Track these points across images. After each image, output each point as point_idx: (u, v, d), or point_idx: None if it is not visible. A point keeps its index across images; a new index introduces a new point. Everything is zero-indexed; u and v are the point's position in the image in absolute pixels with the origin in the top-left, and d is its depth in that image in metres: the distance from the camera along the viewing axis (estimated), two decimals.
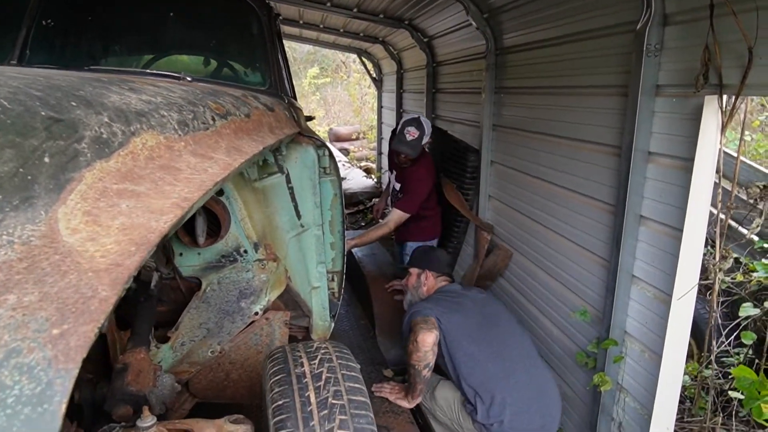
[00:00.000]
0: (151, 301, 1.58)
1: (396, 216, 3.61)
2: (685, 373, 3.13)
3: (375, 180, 8.52)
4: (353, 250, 3.97)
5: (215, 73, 2.02)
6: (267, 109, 1.69)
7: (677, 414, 3.08)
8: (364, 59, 8.21)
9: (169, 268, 1.71)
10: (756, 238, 3.14)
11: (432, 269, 2.99)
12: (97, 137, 0.88)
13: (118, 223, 0.76)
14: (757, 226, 1.63)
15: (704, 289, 3.42)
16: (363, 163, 10.37)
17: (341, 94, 17.27)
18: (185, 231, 1.69)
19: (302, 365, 1.27)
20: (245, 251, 1.79)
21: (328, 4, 5.05)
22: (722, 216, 2.25)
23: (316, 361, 1.28)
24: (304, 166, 2.01)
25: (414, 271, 3.00)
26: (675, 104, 2.15)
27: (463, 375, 2.47)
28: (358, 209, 7.80)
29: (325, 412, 1.15)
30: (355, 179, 8.22)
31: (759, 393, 1.61)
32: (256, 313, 1.83)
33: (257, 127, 1.50)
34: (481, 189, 4.14)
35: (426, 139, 3.67)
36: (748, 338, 2.18)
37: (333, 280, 2.29)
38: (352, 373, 1.27)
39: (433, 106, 5.58)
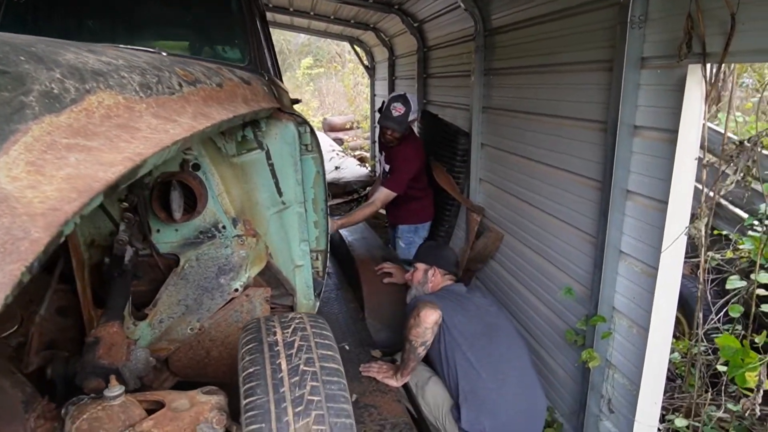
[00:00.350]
0: (126, 276, 1.55)
1: (383, 195, 3.58)
2: (675, 351, 3.13)
3: (369, 169, 8.49)
4: (343, 234, 3.95)
5: (193, 50, 1.99)
6: (243, 82, 1.66)
7: (668, 392, 3.08)
8: (356, 47, 8.15)
9: (146, 245, 1.69)
10: (745, 215, 3.13)
11: (440, 266, 2.91)
12: (47, 92, 0.85)
13: (64, 173, 0.74)
14: (731, 183, 1.61)
15: (695, 268, 3.41)
16: (357, 152, 10.34)
17: (335, 85, 17.19)
18: (161, 207, 1.66)
19: (275, 334, 1.25)
20: (223, 227, 1.77)
21: None
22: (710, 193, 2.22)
23: (290, 330, 1.26)
24: (285, 142, 1.98)
25: (421, 266, 2.91)
26: (660, 76, 2.13)
27: (457, 377, 2.44)
28: (352, 198, 7.77)
29: (296, 378, 1.13)
30: (350, 168, 8.19)
31: (743, 361, 1.60)
32: (236, 290, 1.80)
33: (230, 97, 1.47)
34: (472, 172, 4.12)
35: (412, 116, 3.65)
36: (736, 311, 2.17)
37: (317, 259, 2.26)
38: (326, 341, 1.25)
39: (424, 92, 5.55)
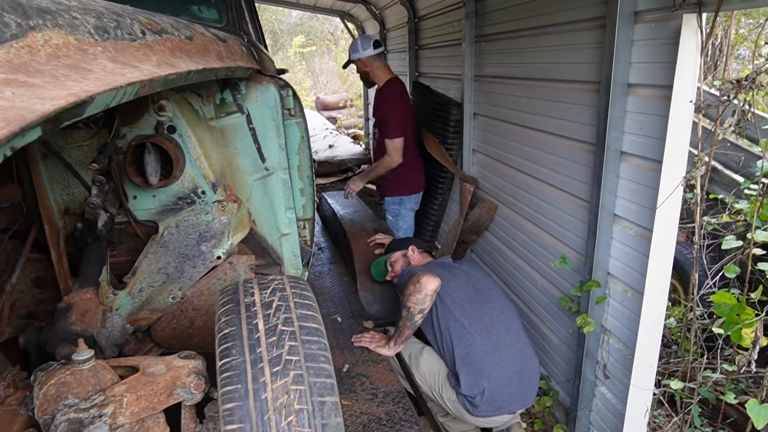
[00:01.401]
0: (100, 242, 1.49)
1: (391, 147, 3.63)
2: (671, 317, 3.11)
3: (363, 146, 8.39)
4: (335, 208, 3.90)
5: (164, 5, 1.90)
6: (217, 39, 1.58)
7: (663, 357, 3.07)
8: (347, 22, 8.00)
9: (122, 212, 1.63)
10: (741, 179, 3.08)
11: (416, 245, 2.96)
12: None
13: None
14: (730, 125, 1.55)
15: (690, 234, 3.37)
16: (351, 131, 10.22)
17: (328, 64, 16.97)
18: (137, 171, 1.60)
19: (253, 295, 1.20)
20: (203, 192, 1.70)
21: None
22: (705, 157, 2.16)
23: (268, 291, 1.21)
24: (266, 105, 1.90)
25: (397, 254, 2.93)
26: (654, 29, 2.05)
27: (452, 344, 2.43)
28: (347, 176, 7.70)
29: (274, 338, 1.08)
30: (343, 146, 8.10)
31: (739, 317, 1.56)
32: (219, 257, 1.75)
33: (201, 51, 1.39)
34: (465, 143, 4.04)
35: (367, 52, 3.82)
36: (732, 271, 2.13)
37: (305, 227, 2.21)
38: (305, 301, 1.19)
39: (416, 64, 5.44)
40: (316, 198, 2.44)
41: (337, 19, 8.40)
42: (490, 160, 3.74)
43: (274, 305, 1.17)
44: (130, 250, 1.72)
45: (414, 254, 2.89)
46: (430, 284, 2.33)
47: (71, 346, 1.25)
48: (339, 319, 2.68)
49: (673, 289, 3.47)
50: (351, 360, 2.30)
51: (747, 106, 1.42)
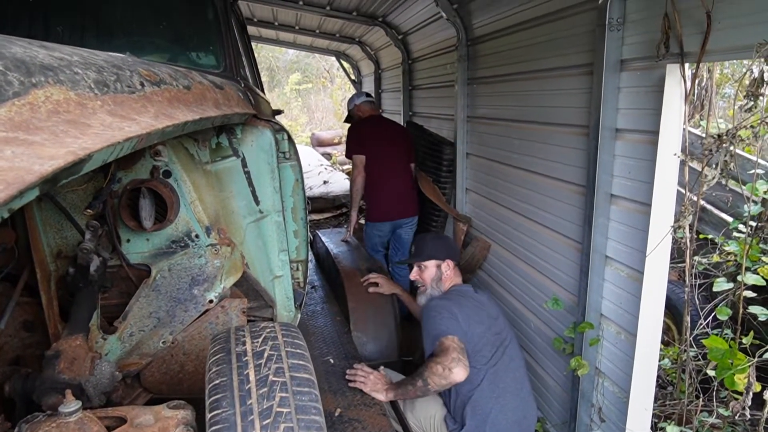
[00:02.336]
0: (92, 287, 1.49)
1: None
2: (665, 357, 3.09)
3: None
4: (329, 246, 3.90)
5: (166, 56, 1.95)
6: (214, 86, 1.62)
7: (659, 399, 3.03)
8: (342, 62, 8.17)
9: (114, 256, 1.63)
10: (730, 219, 3.12)
11: (453, 257, 2.73)
12: None
13: None
14: (713, 178, 1.58)
15: (683, 273, 3.39)
16: (345, 167, 10.31)
17: (324, 100, 17.23)
18: (131, 215, 1.60)
19: (244, 344, 1.19)
20: (197, 236, 1.71)
21: (301, 3, 5.00)
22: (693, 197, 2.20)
23: (260, 340, 1.20)
24: (261, 149, 1.94)
25: (432, 263, 2.70)
26: (639, 77, 2.11)
27: (460, 387, 2.37)
28: (341, 212, 7.73)
29: (265, 389, 1.07)
30: (338, 182, 8.15)
31: (731, 363, 1.56)
32: (211, 301, 1.74)
33: (199, 100, 1.42)
34: (458, 182, 4.09)
35: (353, 103, 4.39)
36: (724, 314, 2.13)
37: (297, 269, 2.21)
38: (297, 351, 1.19)
39: (410, 104, 5.54)
40: (309, 235, 2.45)
41: (333, 58, 8.58)
42: (483, 200, 3.77)
43: (266, 355, 1.16)
44: (121, 293, 1.71)
45: (448, 270, 2.70)
46: (458, 377, 2.22)
47: (58, 396, 1.23)
48: (332, 360, 2.65)
49: (666, 329, 3.47)
50: (343, 404, 2.27)
51: (729, 157, 1.46)
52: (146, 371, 1.70)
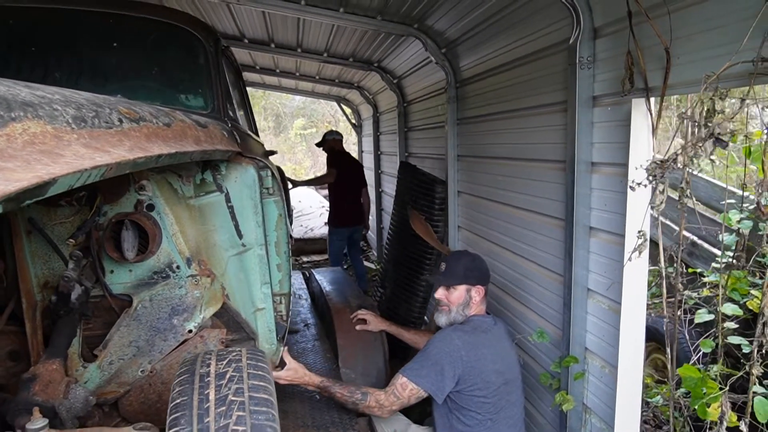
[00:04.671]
0: (72, 314, 1.54)
1: None
2: (659, 394, 3.05)
3: None
4: (322, 284, 3.93)
5: (154, 96, 2.06)
6: (197, 125, 1.71)
7: None
8: (343, 106, 8.41)
9: (97, 286, 1.69)
10: (719, 252, 3.13)
11: (484, 283, 2.59)
12: None
13: None
14: (661, 203, 1.63)
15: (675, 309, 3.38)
16: None
17: None
18: (114, 247, 1.67)
19: (209, 365, 1.23)
20: (177, 267, 1.77)
21: (299, 50, 5.22)
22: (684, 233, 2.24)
23: (224, 362, 1.24)
24: (244, 185, 2.02)
25: (462, 287, 2.54)
26: (610, 112, 2.20)
27: (458, 428, 2.38)
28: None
29: (223, 408, 1.10)
30: None
31: (704, 392, 1.56)
32: (190, 331, 1.78)
33: (178, 137, 1.51)
34: (450, 220, 4.15)
35: (331, 136, 6.08)
36: (707, 346, 2.14)
37: (281, 302, 2.25)
38: (259, 372, 1.23)
39: (405, 145, 5.68)
40: (306, 274, 2.50)
41: (335, 103, 8.85)
42: (474, 237, 3.82)
43: (228, 376, 1.20)
44: (105, 323, 1.76)
45: (478, 297, 2.55)
46: (386, 417, 2.38)
47: (29, 416, 1.26)
48: (317, 396, 2.65)
49: (662, 367, 3.43)
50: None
51: (684, 184, 1.52)
52: (124, 400, 1.74)
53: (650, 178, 1.55)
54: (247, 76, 7.24)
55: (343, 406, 2.44)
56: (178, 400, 1.14)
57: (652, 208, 1.65)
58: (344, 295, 3.63)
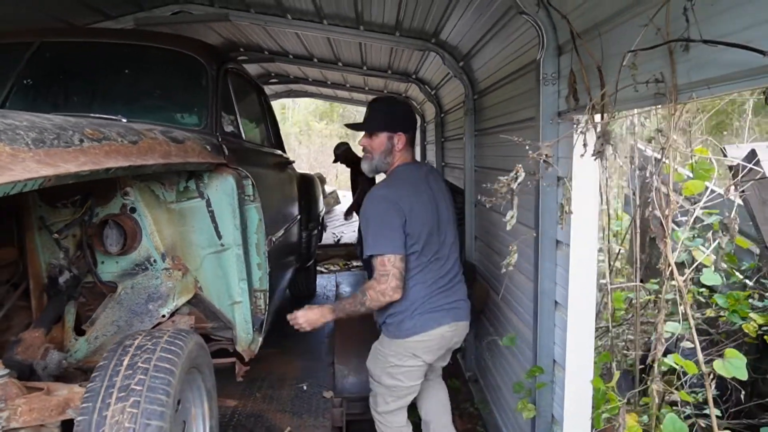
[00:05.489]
0: (60, 295, 1.90)
1: None
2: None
3: None
4: (340, 286, 4.19)
5: (153, 116, 2.41)
6: (171, 141, 2.01)
7: None
8: None
9: (88, 274, 2.05)
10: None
11: (405, 130, 2.47)
12: None
13: None
14: (512, 217, 1.70)
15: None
16: None
17: None
18: (101, 242, 2.02)
19: (135, 339, 1.52)
20: (154, 261, 2.09)
21: (340, 64, 5.54)
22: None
23: (150, 336, 1.53)
24: (224, 192, 2.30)
25: (383, 134, 2.43)
26: (568, 127, 2.26)
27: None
28: None
29: (130, 372, 1.38)
30: None
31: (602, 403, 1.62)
32: (163, 316, 2.10)
33: (141, 153, 1.79)
34: (467, 230, 4.25)
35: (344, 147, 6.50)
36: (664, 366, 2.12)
37: (260, 297, 2.52)
38: (172, 347, 1.49)
39: (442, 154, 5.83)
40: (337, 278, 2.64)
41: None
42: (485, 247, 3.91)
43: (146, 347, 1.47)
44: (94, 304, 2.12)
45: (399, 145, 2.45)
46: (396, 299, 2.26)
47: (12, 372, 1.61)
48: (305, 387, 2.89)
49: None
50: (295, 424, 2.50)
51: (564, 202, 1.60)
52: None
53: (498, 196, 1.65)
54: (304, 87, 7.71)
55: (358, 314, 2.36)
56: (101, 363, 1.43)
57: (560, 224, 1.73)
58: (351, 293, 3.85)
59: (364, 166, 2.59)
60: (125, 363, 1.41)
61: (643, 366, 2.81)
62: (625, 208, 5.18)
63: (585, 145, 1.93)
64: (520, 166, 1.66)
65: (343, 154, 6.18)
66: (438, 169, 2.51)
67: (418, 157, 7.51)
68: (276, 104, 9.56)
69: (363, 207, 2.37)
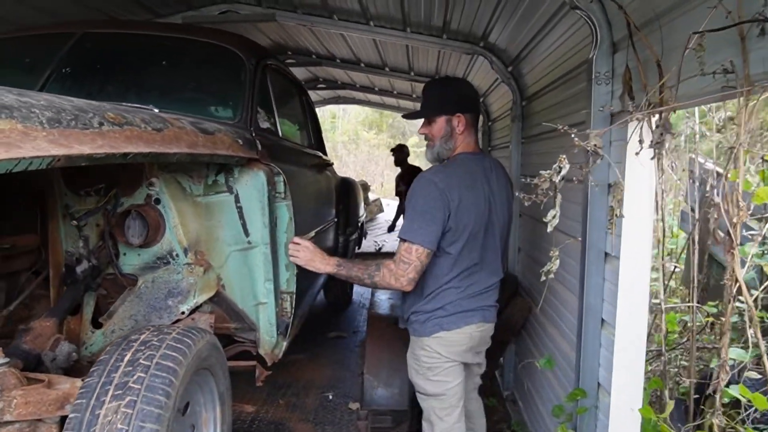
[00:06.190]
0: (77, 285, 1.85)
1: None
2: None
3: None
4: (376, 292, 4.05)
5: (188, 108, 2.36)
6: (199, 131, 1.95)
7: None
8: None
9: (110, 265, 2.00)
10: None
11: (465, 110, 2.25)
12: None
13: None
14: (554, 217, 1.50)
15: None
16: None
17: None
18: (123, 233, 1.97)
19: (141, 334, 1.43)
20: (177, 255, 2.02)
21: (386, 69, 5.46)
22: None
23: (156, 332, 1.43)
24: (254, 188, 2.22)
25: (441, 118, 2.24)
26: (621, 131, 2.06)
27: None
28: None
29: (130, 368, 1.28)
30: None
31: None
32: (183, 312, 2.02)
33: (165, 141, 1.73)
34: (511, 241, 4.03)
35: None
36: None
37: (287, 300, 2.41)
38: (178, 345, 1.39)
39: None
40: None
41: None
42: (529, 260, 3.69)
43: (150, 343, 1.38)
44: (114, 295, 2.07)
45: (460, 127, 2.24)
46: (406, 290, 2.13)
47: (17, 361, 1.56)
48: (330, 396, 2.77)
49: None
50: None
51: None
52: None
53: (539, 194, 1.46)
54: (351, 93, 7.70)
55: (360, 284, 2.22)
56: (101, 357, 1.35)
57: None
58: (388, 306, 3.71)
59: (427, 156, 2.41)
60: (126, 359, 1.32)
61: (698, 396, 2.55)
62: (681, 225, 4.83)
63: (641, 141, 1.74)
64: (563, 156, 1.49)
65: (407, 153, 6.45)
66: (504, 167, 2.28)
67: None
68: (325, 112, 9.63)
69: (412, 186, 2.20)
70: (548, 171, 1.51)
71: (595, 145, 1.38)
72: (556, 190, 1.47)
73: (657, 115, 1.81)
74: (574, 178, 2.49)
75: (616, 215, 1.53)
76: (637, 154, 1.54)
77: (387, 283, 2.11)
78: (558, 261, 1.67)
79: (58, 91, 2.32)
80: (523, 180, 3.84)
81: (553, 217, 1.51)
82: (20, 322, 1.91)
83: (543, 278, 1.72)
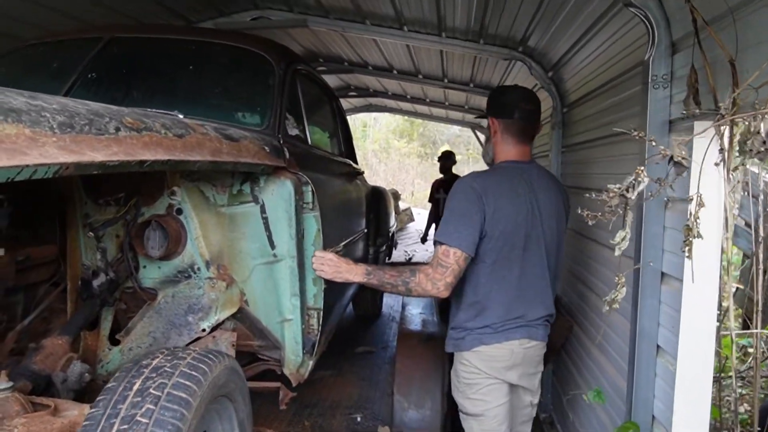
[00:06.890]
0: (93, 300, 1.76)
1: None
2: None
3: None
4: (407, 306, 3.89)
5: (214, 113, 2.26)
6: (224, 138, 1.84)
7: None
8: (478, 133, 8.31)
9: (129, 279, 1.90)
10: None
11: (501, 114, 2.13)
12: None
13: None
14: (623, 239, 1.30)
15: None
16: None
17: (464, 171, 17.66)
18: (142, 245, 1.87)
19: (155, 359, 1.31)
20: (198, 268, 1.91)
21: (420, 77, 5.33)
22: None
23: (170, 357, 1.31)
24: (281, 198, 2.10)
25: (488, 121, 2.20)
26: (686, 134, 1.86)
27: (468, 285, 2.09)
28: None
29: (138, 399, 1.16)
30: None
31: None
32: (204, 330, 1.90)
33: (187, 148, 1.63)
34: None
35: None
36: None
37: (313, 316, 2.27)
38: (193, 372, 1.26)
39: None
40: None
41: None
42: (570, 276, 3.47)
43: (161, 370, 1.26)
44: (133, 309, 1.97)
45: (496, 136, 2.15)
46: (442, 296, 2.00)
47: (25, 382, 1.46)
48: (358, 418, 2.61)
49: None
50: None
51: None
52: None
53: (610, 208, 1.27)
54: (383, 101, 7.59)
55: (394, 292, 2.10)
56: (109, 385, 1.23)
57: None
58: (418, 322, 3.54)
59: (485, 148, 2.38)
60: (135, 387, 1.20)
61: (761, 429, 2.32)
62: (734, 240, 4.53)
63: (721, 149, 1.54)
64: (642, 168, 1.30)
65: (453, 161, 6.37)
66: (557, 177, 2.09)
67: None
68: (357, 121, 9.58)
69: (451, 189, 2.13)
70: (617, 185, 1.31)
71: (681, 156, 1.18)
72: (626, 208, 1.28)
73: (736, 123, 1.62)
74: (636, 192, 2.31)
75: (694, 235, 1.33)
76: (716, 164, 1.34)
77: (423, 288, 1.99)
78: (624, 289, 1.46)
79: (83, 97, 2.26)
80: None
81: (622, 239, 1.32)
82: (39, 337, 1.82)
83: (606, 308, 1.51)
